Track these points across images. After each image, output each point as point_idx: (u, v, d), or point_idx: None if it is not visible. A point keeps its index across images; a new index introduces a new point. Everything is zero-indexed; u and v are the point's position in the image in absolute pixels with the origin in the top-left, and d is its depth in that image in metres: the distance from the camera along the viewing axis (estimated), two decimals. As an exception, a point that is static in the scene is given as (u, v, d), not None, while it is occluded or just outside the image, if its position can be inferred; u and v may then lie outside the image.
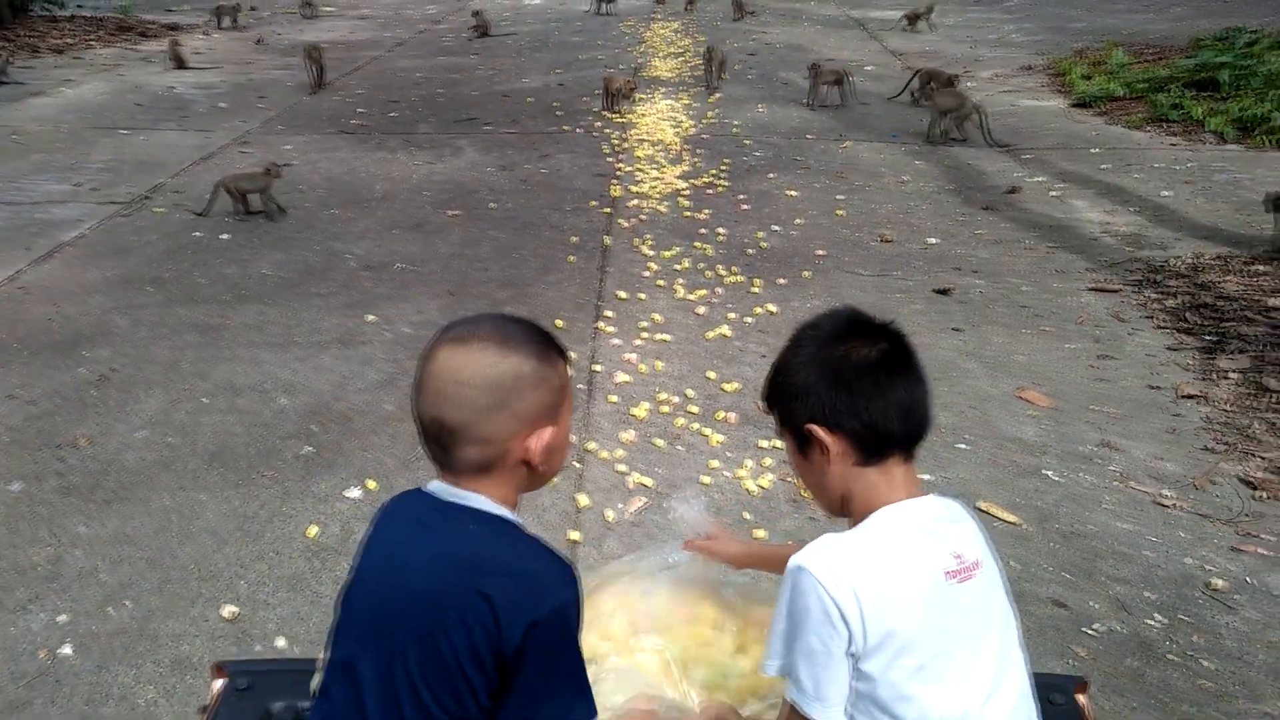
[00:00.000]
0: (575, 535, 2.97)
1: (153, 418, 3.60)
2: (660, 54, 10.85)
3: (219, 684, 1.68)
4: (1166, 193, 6.32)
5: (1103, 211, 6.00)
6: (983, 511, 3.08)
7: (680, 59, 10.55)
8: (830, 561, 1.26)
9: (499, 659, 1.16)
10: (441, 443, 1.23)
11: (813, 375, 1.37)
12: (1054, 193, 6.35)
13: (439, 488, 1.27)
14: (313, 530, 2.96)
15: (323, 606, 2.65)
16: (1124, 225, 5.76)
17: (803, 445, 1.40)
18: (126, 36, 11.58)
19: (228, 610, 2.64)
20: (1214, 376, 4.00)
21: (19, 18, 11.55)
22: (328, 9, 14.21)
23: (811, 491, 1.46)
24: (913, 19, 12.22)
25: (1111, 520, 3.08)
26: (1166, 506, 3.16)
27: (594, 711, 1.23)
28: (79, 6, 12.88)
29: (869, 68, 10.13)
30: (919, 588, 1.27)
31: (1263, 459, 3.42)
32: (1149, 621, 2.67)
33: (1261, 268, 5.05)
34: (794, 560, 1.29)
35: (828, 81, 8.37)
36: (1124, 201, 6.17)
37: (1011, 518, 3.07)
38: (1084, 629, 2.63)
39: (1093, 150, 7.31)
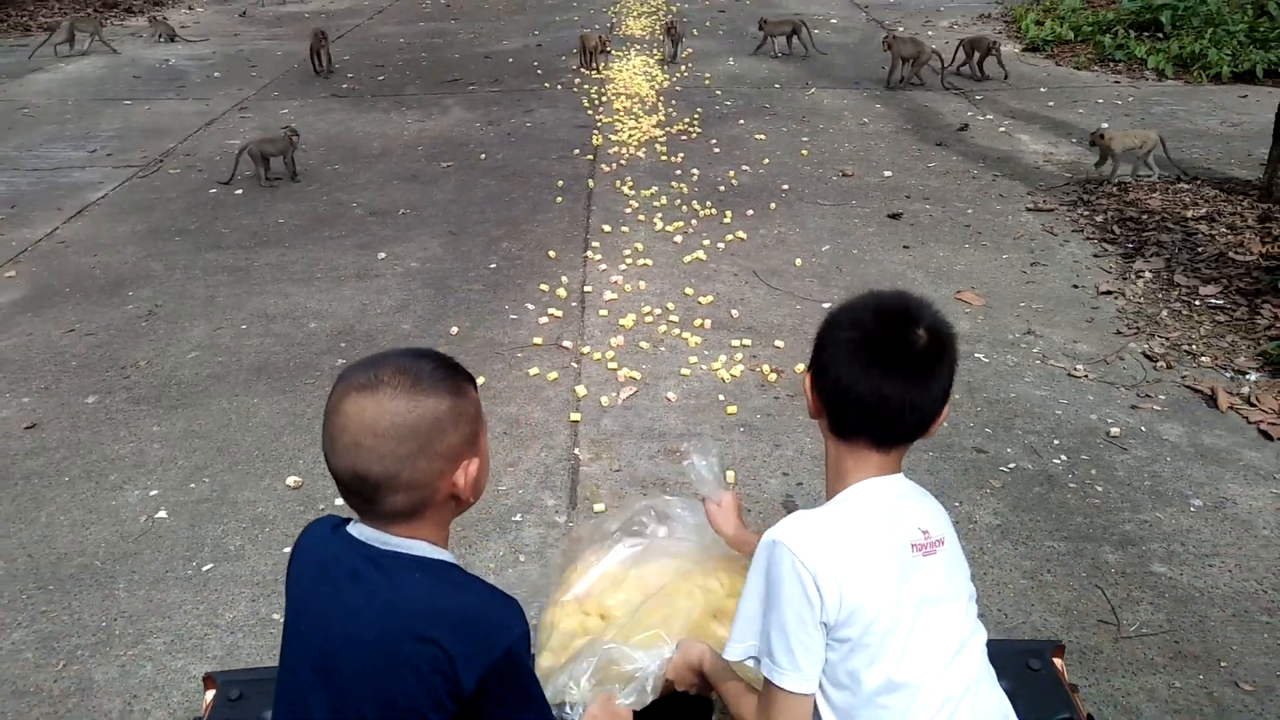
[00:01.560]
0: (575, 417, 3.50)
1: (199, 342, 4.11)
2: (633, 14, 11.25)
3: (210, 695, 1.71)
4: (1105, 124, 6.84)
5: (1046, 143, 6.53)
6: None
7: (652, 17, 10.95)
8: (803, 534, 1.30)
9: (459, 702, 1.17)
10: (365, 495, 1.20)
11: (827, 336, 1.41)
12: (1002, 128, 6.87)
13: (372, 535, 1.24)
14: (353, 421, 3.48)
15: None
16: (1064, 155, 6.29)
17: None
18: (113, 13, 11.87)
19: (292, 480, 3.17)
20: (1130, 276, 4.56)
21: (8, -2, 11.83)
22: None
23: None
24: None
25: (1030, 389, 3.65)
26: (1078, 378, 3.72)
27: None
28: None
29: (833, 20, 10.57)
30: (886, 560, 1.32)
31: (1165, 338, 3.99)
32: (1054, 461, 3.23)
33: (1184, 186, 5.60)
34: (768, 535, 1.33)
35: (779, 34, 8.83)
36: (1066, 134, 6.69)
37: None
38: (1000, 468, 3.20)
39: (1040, 90, 7.82)
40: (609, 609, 1.74)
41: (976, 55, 8.08)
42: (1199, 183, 5.62)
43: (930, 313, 1.39)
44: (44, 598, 2.72)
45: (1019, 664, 1.67)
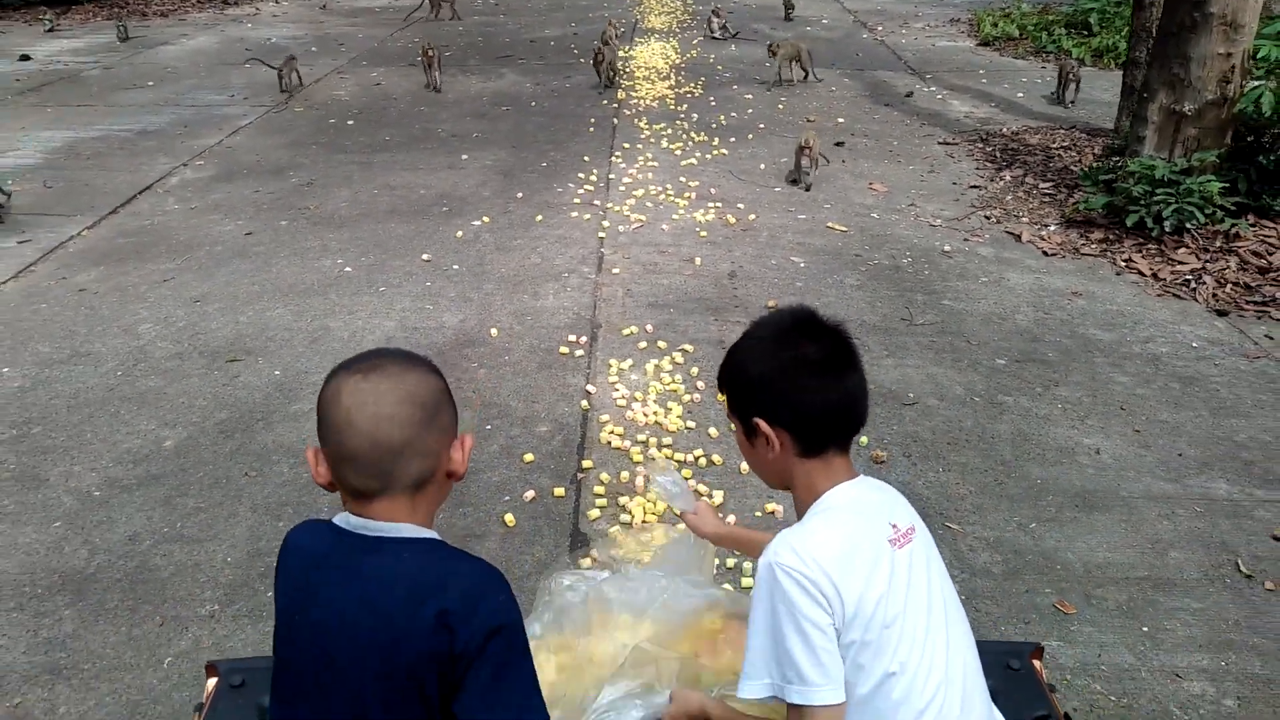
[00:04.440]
0: (602, 234, 5.41)
1: (347, 199, 6.05)
2: (655, 12, 13.24)
3: (212, 682, 1.73)
4: (1020, 95, 8.74)
5: (970, 106, 8.41)
6: (830, 228, 5.52)
7: (670, 15, 12.93)
8: (796, 549, 1.34)
9: (458, 665, 1.21)
10: (383, 467, 1.25)
11: (761, 372, 1.45)
12: (939, 97, 8.76)
13: (360, 524, 1.28)
14: (459, 234, 5.41)
15: (469, 258, 5.09)
16: (981, 113, 8.17)
17: (749, 433, 1.47)
18: (213, 3, 13.98)
19: (425, 256, 5.10)
20: (995, 179, 6.44)
21: (126, -11, 13.98)
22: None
23: (755, 470, 1.56)
24: None
25: (900, 231, 5.54)
26: (935, 226, 5.61)
27: (546, 715, 1.27)
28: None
29: (824, 20, 12.52)
30: (870, 559, 1.37)
31: (1003, 210, 5.87)
32: (903, 260, 5.11)
33: (1061, 132, 7.47)
34: (762, 561, 1.37)
35: (787, 59, 9.12)
36: (988, 101, 8.58)
37: (842, 227, 5.52)
38: (869, 263, 5.08)
39: (980, 72, 9.71)
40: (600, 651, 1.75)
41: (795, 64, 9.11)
42: (1074, 131, 7.48)
43: (814, 311, 1.50)
44: (286, 302, 4.64)
45: (999, 664, 1.73)
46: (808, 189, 6.04)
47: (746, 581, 2.76)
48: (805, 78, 9.14)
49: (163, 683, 2.49)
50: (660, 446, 3.44)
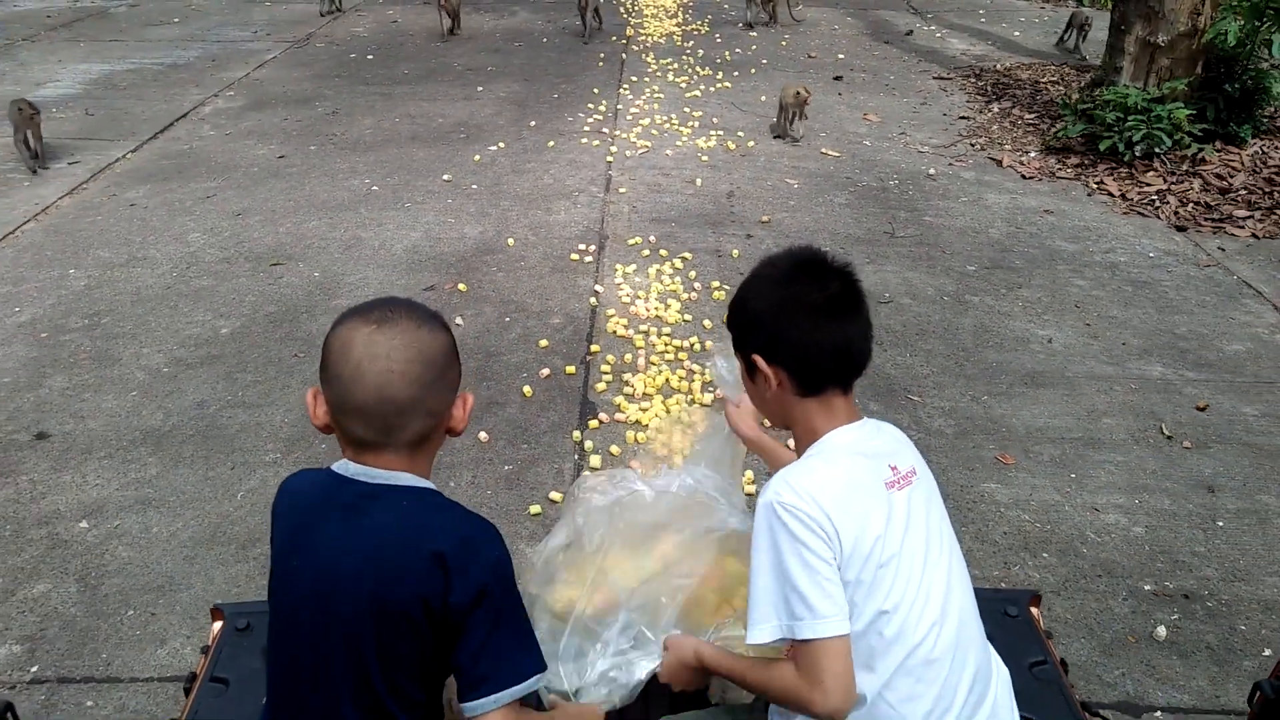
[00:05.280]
0: (609, 159, 5.80)
1: (370, 126, 6.44)
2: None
3: (217, 626, 1.74)
4: (1017, 34, 9.02)
5: (967, 44, 8.71)
6: (823, 154, 5.90)
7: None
8: (794, 485, 1.36)
9: (449, 611, 1.24)
10: (388, 422, 1.26)
11: (761, 310, 1.47)
12: (939, 35, 9.05)
13: (359, 470, 1.29)
14: (476, 158, 5.81)
15: (486, 179, 5.49)
16: (978, 50, 8.48)
17: (751, 370, 1.49)
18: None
19: (446, 176, 5.51)
20: (984, 110, 6.79)
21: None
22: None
23: (758, 408, 1.61)
24: None
25: (889, 157, 5.91)
26: (923, 153, 5.98)
27: (543, 664, 1.32)
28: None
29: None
30: (872, 497, 1.39)
31: (988, 138, 6.23)
32: (890, 183, 5.50)
33: (1052, 68, 7.78)
34: (761, 501, 1.38)
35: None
36: (985, 39, 8.87)
37: (835, 153, 5.90)
38: (857, 184, 5.46)
39: (980, 11, 9.97)
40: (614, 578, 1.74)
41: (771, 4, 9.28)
42: (1064, 66, 7.79)
43: (828, 253, 1.49)
44: (320, 216, 5.06)
45: (997, 611, 1.75)
46: (795, 142, 6.08)
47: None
48: (772, 20, 9.19)
49: (237, 510, 2.97)
50: (660, 335, 3.87)
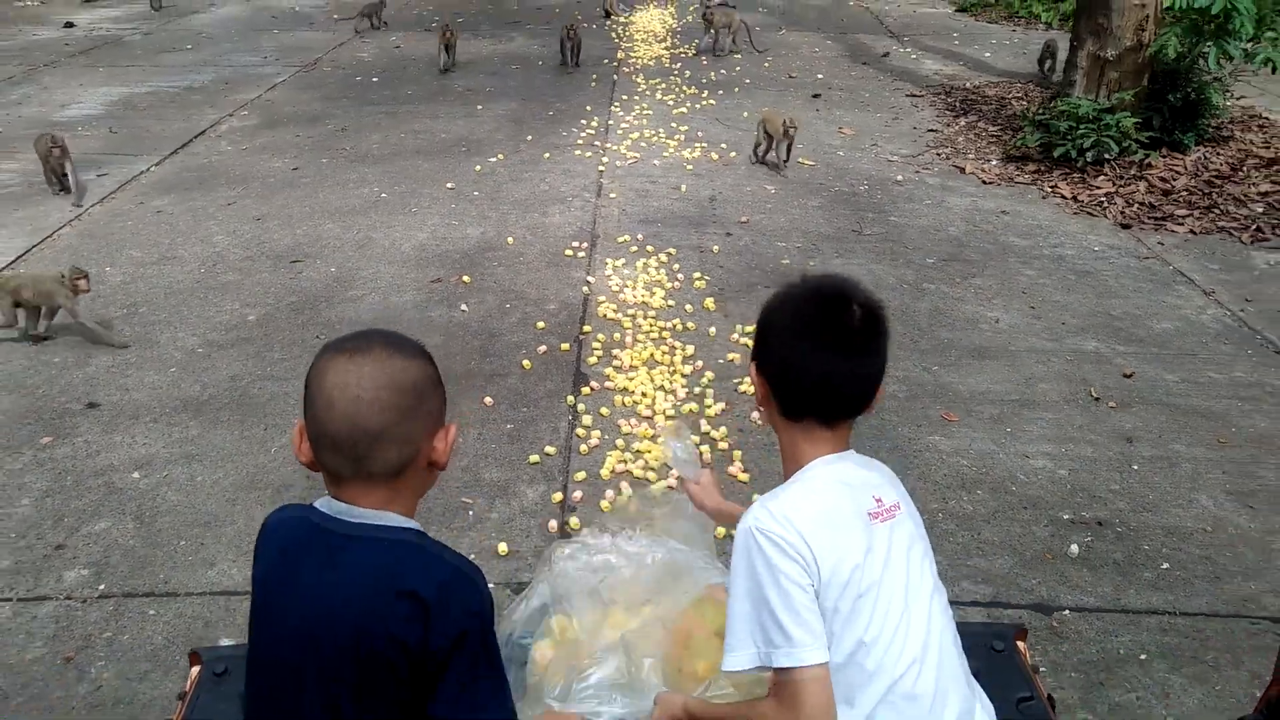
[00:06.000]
0: (601, 168, 6.25)
1: (378, 141, 6.89)
2: (655, -18, 14.01)
3: (195, 671, 1.75)
4: (988, 55, 9.53)
5: (940, 65, 9.21)
6: (800, 162, 6.35)
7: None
8: (774, 512, 1.37)
9: (427, 657, 1.21)
10: (359, 452, 1.24)
11: (767, 319, 1.49)
12: (913, 56, 9.55)
13: (342, 509, 1.27)
14: (477, 168, 6.26)
15: (487, 187, 5.94)
16: (950, 71, 8.97)
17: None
18: (236, -24, 14.75)
19: (449, 185, 5.95)
20: (951, 124, 7.26)
21: (152, -38, 14.77)
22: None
23: (763, 418, 1.59)
24: None
25: (860, 165, 6.37)
26: (892, 161, 6.44)
27: (513, 712, 1.30)
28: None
29: (814, -11, 13.27)
30: (853, 528, 1.39)
31: (954, 148, 6.69)
32: (860, 188, 5.95)
33: (1018, 85, 8.27)
34: (740, 527, 1.39)
35: (722, 27, 9.42)
36: (958, 60, 9.37)
37: (810, 163, 6.35)
38: (829, 190, 5.91)
39: (954, 34, 10.49)
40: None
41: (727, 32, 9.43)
42: (1031, 83, 8.28)
43: (862, 291, 1.46)
44: (334, 220, 5.48)
45: (983, 646, 1.74)
46: (780, 168, 6.15)
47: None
48: (738, 50, 9.40)
49: (271, 461, 3.37)
50: (646, 317, 4.29)
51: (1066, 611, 2.71)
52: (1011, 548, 2.95)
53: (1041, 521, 3.07)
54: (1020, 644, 1.85)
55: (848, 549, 1.37)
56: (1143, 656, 2.56)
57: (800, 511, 1.38)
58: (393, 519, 1.28)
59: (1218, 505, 3.15)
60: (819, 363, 1.43)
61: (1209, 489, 3.23)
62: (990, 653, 1.79)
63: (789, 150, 6.14)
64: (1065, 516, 3.09)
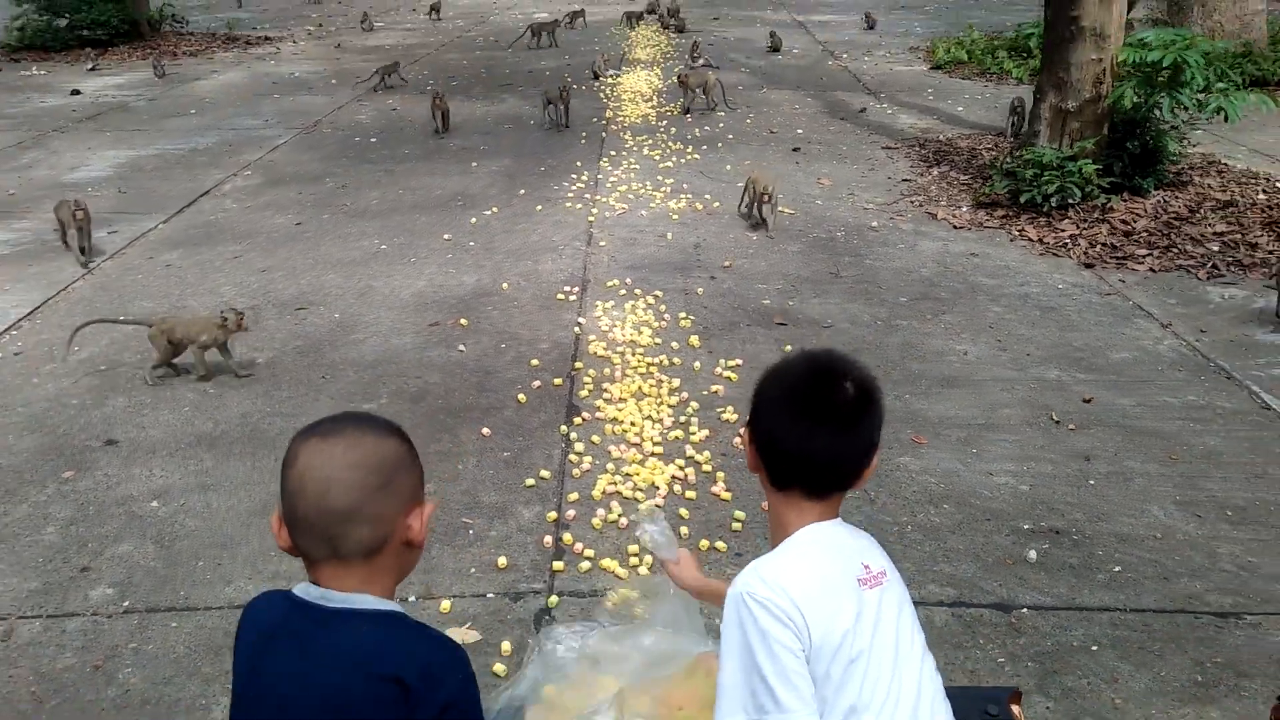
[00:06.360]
0: (591, 219, 6.56)
1: (376, 198, 7.20)
2: (641, 46, 14.53)
3: None
4: (960, 109, 9.95)
5: (915, 119, 9.61)
6: (780, 211, 6.66)
7: (655, 48, 14.22)
8: (764, 577, 1.38)
9: None
10: (330, 532, 1.25)
11: (761, 389, 1.52)
12: (889, 112, 9.97)
13: (319, 594, 1.27)
14: (472, 220, 6.56)
15: (482, 238, 6.23)
16: (924, 125, 9.37)
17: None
18: (237, 44, 15.27)
19: (446, 236, 6.24)
20: (924, 174, 7.61)
21: (156, 33, 15.29)
22: (379, 24, 17.91)
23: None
24: (872, 22, 15.76)
25: (839, 213, 6.69)
26: (868, 209, 6.77)
27: None
28: (194, 25, 16.63)
29: (795, 50, 13.79)
30: (838, 592, 1.40)
31: (927, 196, 7.02)
32: (837, 234, 6.26)
33: (989, 137, 8.65)
34: (731, 593, 1.39)
35: (696, 86, 9.81)
36: (932, 115, 9.78)
37: (790, 211, 6.67)
38: (808, 236, 6.22)
39: (928, 91, 10.93)
40: None
41: (702, 92, 9.93)
42: (996, 136, 8.66)
43: (857, 368, 1.49)
44: (336, 271, 5.76)
45: (977, 709, 1.72)
46: (765, 227, 6.21)
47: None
48: (714, 108, 9.81)
49: (282, 489, 3.59)
50: (634, 353, 4.55)
51: (1024, 610, 2.93)
52: (974, 555, 3.17)
53: (1003, 531, 3.29)
54: (1015, 707, 1.84)
55: (838, 614, 1.39)
56: (1094, 648, 2.77)
57: (791, 576, 1.39)
58: (370, 601, 1.28)
59: (1167, 514, 3.38)
60: (803, 436, 1.46)
61: (1159, 500, 3.46)
62: (984, 716, 1.79)
63: (768, 210, 6.19)
64: (1025, 526, 3.31)
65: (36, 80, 12.51)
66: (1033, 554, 3.16)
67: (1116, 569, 3.10)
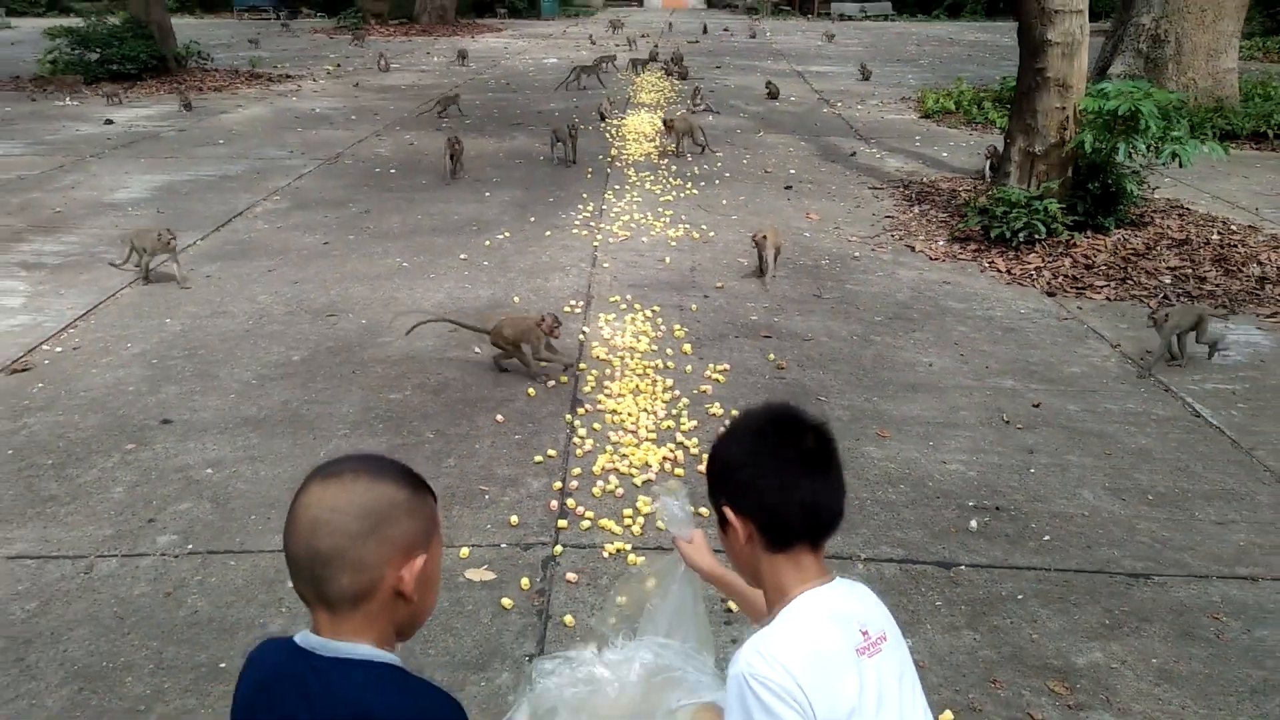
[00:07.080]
0: (596, 245, 7.11)
1: (397, 222, 7.76)
2: (645, 90, 15.23)
3: None
4: (945, 154, 10.56)
5: (901, 162, 10.22)
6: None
7: (659, 92, 14.91)
8: (764, 655, 1.38)
9: None
10: (315, 574, 1.24)
11: (734, 460, 1.50)
12: (878, 156, 10.58)
13: (317, 643, 1.27)
14: (486, 243, 7.12)
15: (495, 258, 6.78)
16: (910, 168, 9.98)
17: (723, 522, 1.50)
18: (259, 80, 15.97)
19: (462, 255, 6.78)
20: (907, 211, 8.18)
21: (182, 69, 16.01)
22: (395, 65, 18.66)
23: (731, 561, 1.59)
24: (867, 74, 16.50)
25: (824, 244, 7.24)
26: (851, 241, 7.32)
27: None
28: (218, 62, 17.37)
29: (792, 98, 14.48)
30: (839, 667, 1.39)
31: (907, 231, 7.58)
32: (821, 262, 6.80)
33: (969, 180, 9.24)
34: (733, 671, 1.39)
35: (683, 133, 10.24)
36: (918, 159, 10.40)
37: (782, 243, 7.23)
38: (796, 263, 6.76)
39: (916, 137, 11.57)
40: None
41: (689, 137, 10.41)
42: (974, 179, 9.26)
43: (797, 413, 1.52)
44: (362, 284, 6.28)
45: None
46: (765, 280, 6.57)
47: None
48: (703, 151, 10.38)
49: (322, 461, 4.08)
50: (633, 357, 5.06)
51: (963, 566, 3.41)
52: (923, 524, 3.66)
53: (950, 507, 3.78)
54: None
55: (842, 691, 1.39)
56: (1020, 597, 3.25)
57: (792, 653, 1.39)
58: (364, 651, 1.27)
59: (1097, 498, 3.87)
60: (804, 488, 1.47)
61: (1091, 486, 3.95)
62: None
63: (769, 260, 6.39)
64: (970, 503, 3.80)
65: (70, 110, 13.16)
66: (974, 524, 3.65)
67: (1047, 538, 3.59)
